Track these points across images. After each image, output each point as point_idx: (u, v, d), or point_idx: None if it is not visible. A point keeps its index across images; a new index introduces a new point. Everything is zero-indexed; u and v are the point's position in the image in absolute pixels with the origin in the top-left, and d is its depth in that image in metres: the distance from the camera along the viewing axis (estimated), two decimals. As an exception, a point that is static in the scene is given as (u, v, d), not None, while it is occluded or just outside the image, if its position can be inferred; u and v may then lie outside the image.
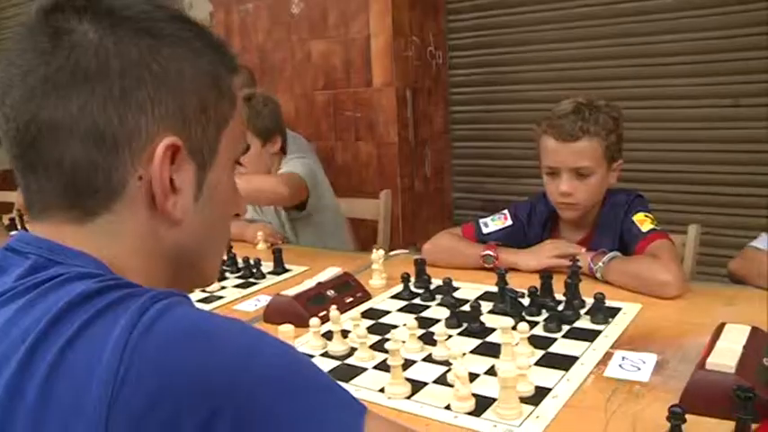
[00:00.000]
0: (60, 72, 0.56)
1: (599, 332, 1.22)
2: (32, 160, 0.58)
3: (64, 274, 0.56)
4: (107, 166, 0.58)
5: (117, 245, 0.61)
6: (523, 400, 0.97)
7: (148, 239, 0.62)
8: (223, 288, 1.70)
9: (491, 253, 1.62)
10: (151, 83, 0.58)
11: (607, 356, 1.12)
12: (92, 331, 0.51)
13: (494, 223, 1.73)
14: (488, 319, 1.30)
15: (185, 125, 0.61)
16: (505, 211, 1.74)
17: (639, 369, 1.06)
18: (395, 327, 1.32)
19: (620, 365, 1.08)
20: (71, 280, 0.55)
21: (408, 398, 1.03)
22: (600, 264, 1.48)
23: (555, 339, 1.20)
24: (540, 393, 1.00)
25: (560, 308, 1.29)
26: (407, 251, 2.03)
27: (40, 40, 0.57)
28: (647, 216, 1.56)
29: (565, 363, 1.10)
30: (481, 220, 1.75)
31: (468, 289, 1.51)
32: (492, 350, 1.16)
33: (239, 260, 1.84)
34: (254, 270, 1.78)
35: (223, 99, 0.65)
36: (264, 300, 1.53)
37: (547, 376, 1.06)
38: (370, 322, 1.36)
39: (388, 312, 1.42)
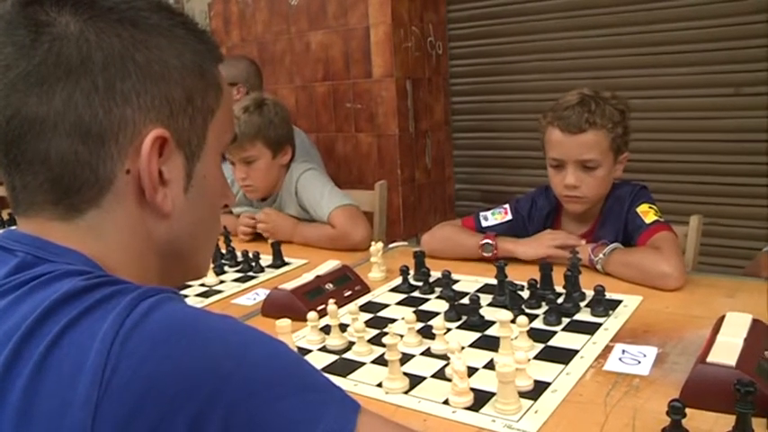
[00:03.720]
0: (42, 66, 0.55)
1: (599, 325, 1.21)
2: (16, 157, 0.57)
3: (51, 272, 0.55)
4: (94, 161, 0.57)
5: (106, 240, 0.60)
6: (522, 394, 0.96)
7: (138, 233, 0.62)
8: (222, 282, 1.69)
9: (490, 242, 1.61)
10: (136, 74, 0.57)
11: (607, 350, 1.11)
12: (78, 329, 0.50)
13: (494, 217, 1.71)
14: (488, 312, 1.29)
15: (172, 116, 0.60)
16: (506, 206, 1.73)
17: (639, 362, 1.06)
18: (393, 320, 1.32)
19: (620, 359, 1.08)
20: (58, 278, 0.55)
21: (406, 393, 1.02)
22: (601, 255, 1.47)
23: (554, 332, 1.19)
24: (540, 388, 0.99)
25: (560, 300, 1.28)
26: (406, 243, 2.02)
27: (18, 33, 0.56)
28: (650, 207, 1.55)
29: (564, 356, 1.10)
30: (481, 214, 1.73)
31: (468, 282, 1.50)
32: (491, 344, 1.15)
33: (238, 254, 1.83)
34: (253, 264, 1.77)
35: (209, 89, 0.64)
36: (263, 293, 1.53)
37: (546, 370, 1.05)
38: (369, 316, 1.35)
39: (386, 306, 1.41)
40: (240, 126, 1.95)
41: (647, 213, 1.53)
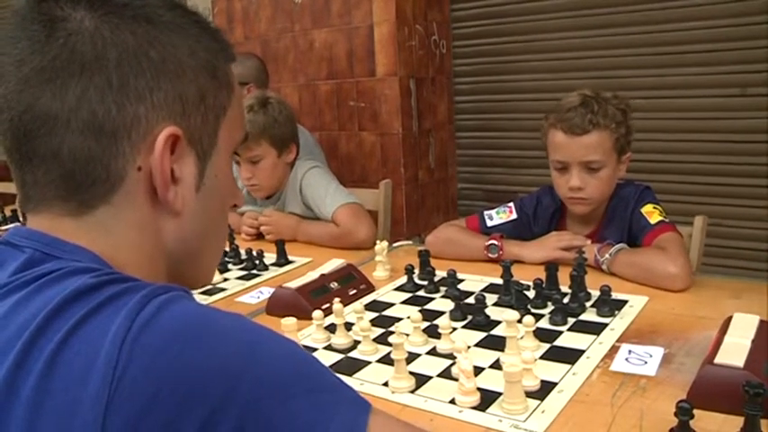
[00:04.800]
0: (56, 61, 0.55)
1: (605, 325, 1.21)
2: (28, 152, 0.57)
3: (61, 269, 0.55)
4: (106, 157, 0.57)
5: (116, 238, 0.60)
6: (529, 394, 0.96)
7: (148, 232, 0.61)
8: (226, 280, 1.69)
9: (496, 242, 1.60)
10: (150, 71, 0.57)
11: (613, 350, 1.11)
12: (89, 327, 0.50)
13: (498, 216, 1.71)
14: (493, 312, 1.28)
15: (185, 114, 0.60)
16: (510, 204, 1.73)
17: (646, 363, 1.05)
18: (399, 319, 1.31)
19: (626, 359, 1.07)
20: (68, 275, 0.54)
21: (412, 392, 1.02)
22: (606, 256, 1.47)
23: (560, 332, 1.19)
24: (546, 388, 0.99)
25: (566, 300, 1.28)
26: (411, 242, 2.02)
27: (33, 28, 0.56)
28: (655, 208, 1.54)
29: (571, 356, 1.09)
30: (486, 213, 1.73)
31: (473, 281, 1.50)
32: (497, 343, 1.15)
33: (242, 252, 1.83)
34: (257, 262, 1.77)
35: (221, 87, 0.64)
36: (267, 292, 1.52)
37: (552, 370, 1.04)
38: (374, 315, 1.35)
39: (391, 305, 1.41)
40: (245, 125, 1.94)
41: (652, 214, 1.53)
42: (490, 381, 1.02)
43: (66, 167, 0.57)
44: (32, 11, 0.57)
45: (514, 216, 1.70)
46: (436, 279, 1.48)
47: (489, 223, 1.71)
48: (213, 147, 0.64)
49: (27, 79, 0.55)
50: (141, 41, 0.57)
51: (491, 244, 1.60)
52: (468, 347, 1.08)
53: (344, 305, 1.28)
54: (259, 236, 2.09)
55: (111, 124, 0.56)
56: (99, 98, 0.55)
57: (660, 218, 1.52)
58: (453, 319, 1.27)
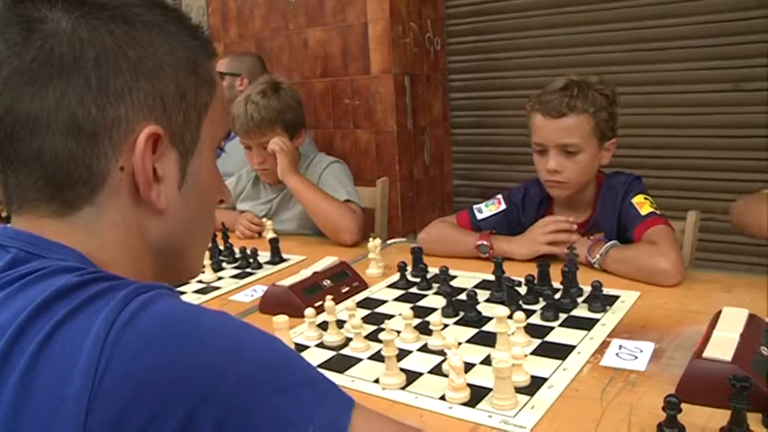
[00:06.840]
0: (34, 63, 0.55)
1: (596, 321, 1.21)
2: (9, 154, 0.57)
3: (44, 268, 0.55)
4: (87, 158, 0.57)
5: (100, 237, 0.60)
6: (519, 390, 0.96)
7: (133, 231, 0.62)
8: (220, 278, 1.69)
9: (485, 243, 1.60)
10: (129, 71, 0.57)
11: (604, 345, 1.11)
12: (72, 325, 0.50)
13: (487, 209, 1.71)
14: (485, 308, 1.29)
15: (165, 113, 0.60)
16: (499, 196, 1.73)
17: (636, 358, 1.06)
18: (391, 316, 1.31)
19: (616, 354, 1.07)
20: (51, 274, 0.54)
21: (403, 388, 1.02)
22: (597, 256, 1.46)
23: (552, 328, 1.19)
24: (536, 383, 0.99)
25: (557, 296, 1.28)
26: (404, 239, 2.02)
27: (10, 30, 0.56)
28: (646, 198, 1.54)
29: (561, 352, 1.09)
30: (475, 207, 1.73)
31: (465, 277, 1.50)
32: (488, 339, 1.15)
33: (236, 250, 1.83)
34: (251, 260, 1.77)
35: (202, 85, 0.64)
36: (261, 290, 1.52)
37: (543, 366, 1.05)
38: (366, 312, 1.35)
39: (384, 302, 1.41)
40: (260, 111, 1.95)
41: (643, 205, 1.53)
42: (480, 377, 1.02)
43: (49, 169, 0.57)
44: (9, 12, 0.57)
45: (503, 207, 1.70)
46: (429, 276, 1.48)
47: (479, 216, 1.71)
48: (195, 144, 0.64)
49: (6, 82, 0.56)
50: (119, 41, 0.57)
51: (480, 244, 1.60)
52: (459, 344, 1.08)
53: (337, 303, 1.28)
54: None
55: (92, 125, 0.56)
56: (78, 99, 0.56)
57: (651, 209, 1.51)
58: (445, 315, 1.27)
